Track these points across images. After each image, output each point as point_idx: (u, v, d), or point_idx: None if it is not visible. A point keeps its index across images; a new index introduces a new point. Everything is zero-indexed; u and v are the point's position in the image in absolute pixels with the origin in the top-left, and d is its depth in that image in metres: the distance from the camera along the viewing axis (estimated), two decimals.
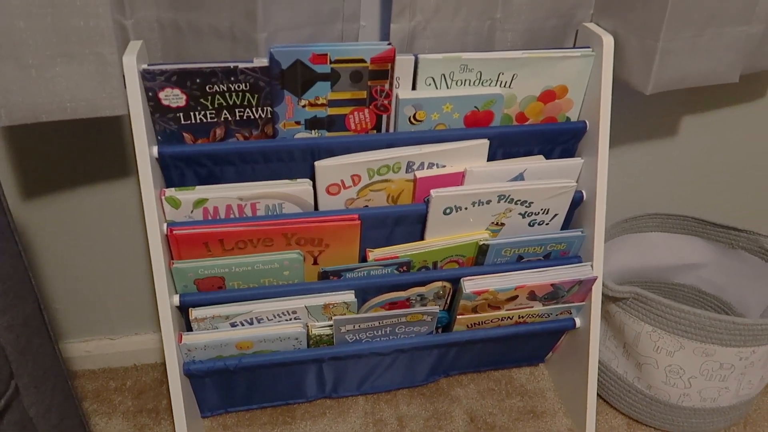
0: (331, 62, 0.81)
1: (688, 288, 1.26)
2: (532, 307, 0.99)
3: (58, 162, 0.97)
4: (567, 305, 1.01)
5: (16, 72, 0.71)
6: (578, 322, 1.03)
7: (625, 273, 1.23)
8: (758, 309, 1.14)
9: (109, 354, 1.17)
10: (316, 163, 0.86)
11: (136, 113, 0.78)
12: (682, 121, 1.14)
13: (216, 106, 0.83)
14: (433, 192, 0.88)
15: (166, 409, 1.10)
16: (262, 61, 0.80)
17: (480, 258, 0.97)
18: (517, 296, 0.96)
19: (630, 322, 1.01)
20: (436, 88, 0.88)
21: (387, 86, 0.85)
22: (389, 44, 0.82)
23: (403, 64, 0.85)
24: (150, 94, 0.80)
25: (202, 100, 0.82)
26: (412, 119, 0.89)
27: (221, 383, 1.01)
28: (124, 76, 0.76)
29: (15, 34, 0.69)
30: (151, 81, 0.79)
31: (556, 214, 0.97)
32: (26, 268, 0.70)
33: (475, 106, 0.90)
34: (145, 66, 0.78)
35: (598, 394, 1.12)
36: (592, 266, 0.97)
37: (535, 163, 0.93)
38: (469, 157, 0.91)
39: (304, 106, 0.85)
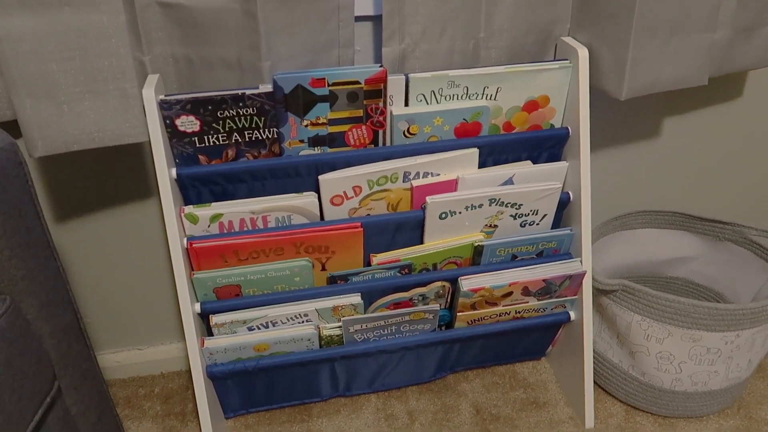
0: (328, 85, 0.90)
1: (681, 281, 1.31)
2: (528, 302, 1.06)
3: (85, 187, 1.05)
4: (561, 299, 1.07)
5: (50, 108, 0.80)
6: (573, 315, 1.10)
7: (620, 269, 1.29)
8: (748, 297, 1.20)
9: (138, 363, 1.26)
10: (320, 177, 0.94)
11: (155, 139, 0.87)
12: (664, 122, 1.21)
13: (227, 129, 0.91)
14: (428, 199, 0.96)
15: (191, 412, 1.18)
16: (267, 87, 0.89)
17: (476, 258, 1.04)
18: (511, 292, 1.03)
19: (621, 313, 1.07)
20: (427, 103, 0.96)
21: (381, 104, 0.93)
22: (381, 66, 0.90)
23: (396, 84, 0.93)
24: (167, 121, 0.88)
25: (214, 124, 0.90)
26: (406, 133, 0.97)
27: (242, 385, 1.08)
28: (144, 107, 0.85)
29: (49, 75, 0.78)
30: (168, 110, 0.88)
31: (545, 215, 1.04)
32: (65, 281, 0.79)
33: (464, 118, 0.97)
34: (162, 97, 0.87)
35: (597, 384, 1.19)
36: (581, 262, 1.04)
37: (523, 168, 1.01)
38: (461, 165, 0.98)
39: (306, 126, 0.93)
